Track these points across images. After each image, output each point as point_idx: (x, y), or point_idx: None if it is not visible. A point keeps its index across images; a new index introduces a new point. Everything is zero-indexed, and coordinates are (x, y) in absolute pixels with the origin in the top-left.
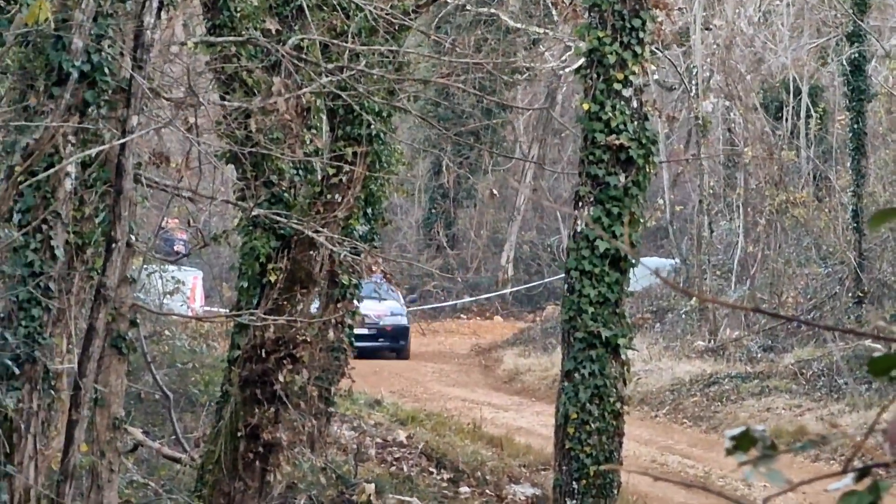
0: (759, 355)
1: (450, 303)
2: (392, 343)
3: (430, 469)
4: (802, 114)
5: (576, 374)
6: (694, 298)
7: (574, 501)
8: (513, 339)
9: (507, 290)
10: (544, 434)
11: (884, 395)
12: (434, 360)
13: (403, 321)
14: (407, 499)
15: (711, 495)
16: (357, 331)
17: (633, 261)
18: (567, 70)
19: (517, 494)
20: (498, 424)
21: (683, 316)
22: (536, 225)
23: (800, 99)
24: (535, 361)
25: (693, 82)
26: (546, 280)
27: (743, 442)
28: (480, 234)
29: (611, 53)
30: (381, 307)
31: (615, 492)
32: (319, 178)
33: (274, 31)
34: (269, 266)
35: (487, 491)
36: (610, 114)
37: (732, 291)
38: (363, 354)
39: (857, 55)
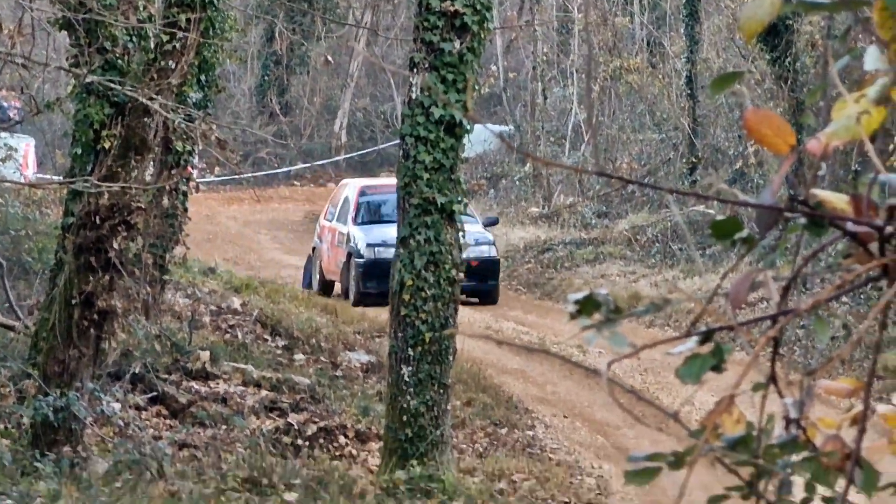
0: (593, 221)
1: (283, 169)
2: (478, 284)
3: (265, 336)
4: None
5: (411, 241)
6: (528, 164)
7: (410, 368)
8: None
9: (341, 156)
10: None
11: (718, 260)
12: (268, 228)
13: (493, 252)
14: (242, 366)
15: (546, 361)
16: None
17: (468, 127)
18: None
19: (352, 361)
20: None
21: (517, 182)
22: (370, 92)
23: None
24: None
25: None
26: (380, 146)
27: (586, 306)
28: (314, 101)
29: None
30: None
31: (451, 358)
32: (153, 44)
33: None
34: (103, 133)
35: (322, 358)
36: None
37: (566, 158)
38: None
39: None
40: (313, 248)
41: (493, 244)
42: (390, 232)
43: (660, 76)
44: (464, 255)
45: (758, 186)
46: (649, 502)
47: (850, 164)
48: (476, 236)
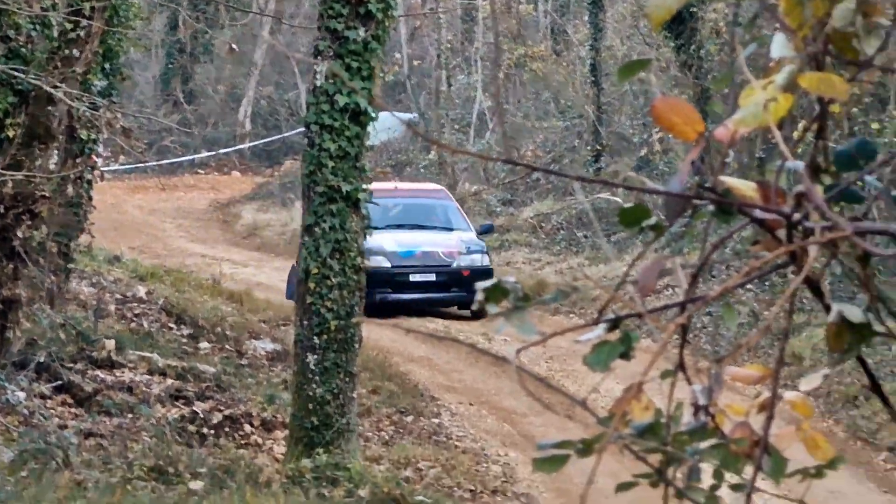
0: (498, 209)
1: (188, 158)
2: (468, 294)
3: (171, 325)
4: None
5: (316, 229)
6: (433, 152)
7: (315, 356)
8: (251, 194)
9: (246, 145)
10: (284, 289)
11: (623, 248)
12: (173, 216)
13: (485, 260)
14: (147, 355)
15: (452, 349)
16: (413, 277)
17: (373, 114)
18: None
19: (257, 350)
20: (237, 280)
21: (422, 170)
22: (275, 80)
23: None
24: (275, 217)
25: None
26: (284, 135)
27: (494, 294)
28: (218, 90)
29: None
30: (450, 240)
31: (356, 346)
32: (57, 32)
33: None
34: (7, 121)
35: (228, 346)
36: None
37: (471, 145)
38: (413, 310)
39: None
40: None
41: (486, 253)
42: (378, 239)
43: (564, 64)
44: (455, 264)
45: (663, 174)
46: (556, 490)
47: (755, 152)
48: (469, 244)
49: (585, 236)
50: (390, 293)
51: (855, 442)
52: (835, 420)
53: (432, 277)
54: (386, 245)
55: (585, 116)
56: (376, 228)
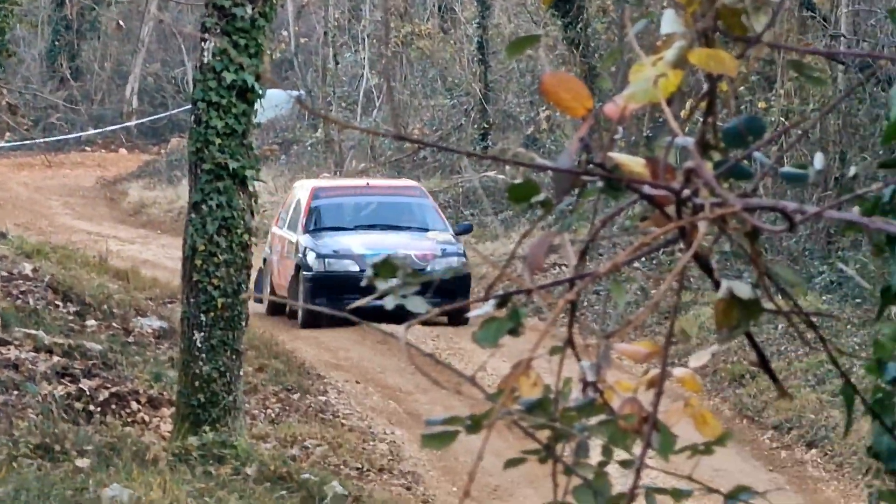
0: None
1: (74, 135)
2: (446, 299)
3: (57, 302)
4: None
5: (203, 206)
6: (319, 130)
7: (202, 334)
8: (138, 171)
9: (132, 122)
10: (171, 267)
11: (510, 226)
12: (59, 194)
13: (461, 263)
14: (33, 332)
15: (339, 327)
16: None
17: (260, 92)
18: None
19: (144, 327)
20: (124, 257)
21: (309, 148)
22: (161, 57)
23: None
24: (161, 194)
25: None
26: (171, 112)
27: (384, 269)
28: (105, 67)
29: None
30: (424, 242)
31: (243, 324)
32: None
33: None
34: None
35: (114, 324)
36: None
37: (359, 123)
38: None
39: None
40: (264, 260)
41: (464, 255)
42: (346, 241)
43: (451, 42)
44: (429, 268)
45: (550, 152)
46: (442, 468)
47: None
48: (445, 245)
49: (472, 214)
50: (359, 300)
51: (741, 420)
52: (721, 398)
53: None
54: (354, 248)
55: (472, 94)
56: (345, 229)
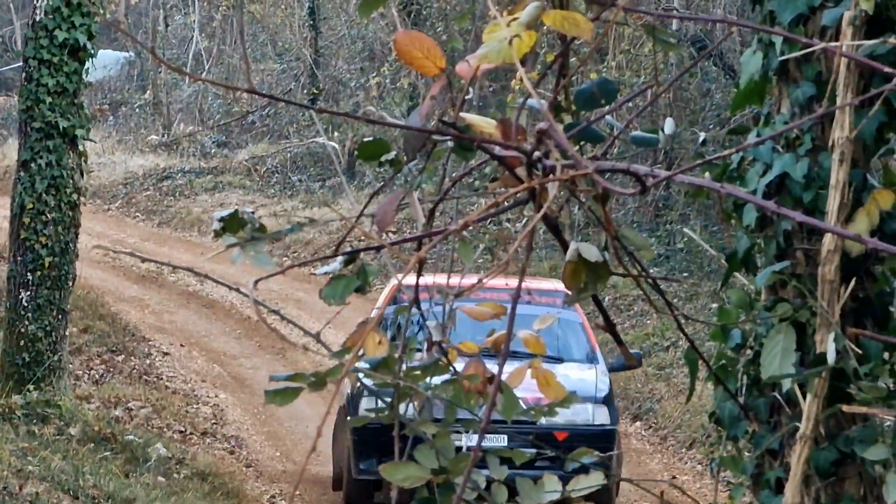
0: (212, 151)
1: None
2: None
3: None
4: None
5: (32, 165)
6: (148, 92)
7: (28, 293)
8: None
9: None
10: None
11: (338, 192)
12: None
13: (602, 416)
14: None
15: (164, 290)
16: (462, 441)
17: (92, 51)
18: None
19: None
20: None
21: (138, 110)
22: None
23: None
24: None
25: None
26: None
27: (231, 224)
28: None
29: None
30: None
31: (70, 284)
32: None
33: None
34: None
35: None
36: None
37: (187, 86)
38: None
39: None
40: None
41: (610, 402)
42: None
43: (282, 6)
44: (542, 421)
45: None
46: (266, 433)
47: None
48: (580, 383)
49: (300, 180)
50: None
51: None
52: None
53: (502, 443)
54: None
55: (302, 59)
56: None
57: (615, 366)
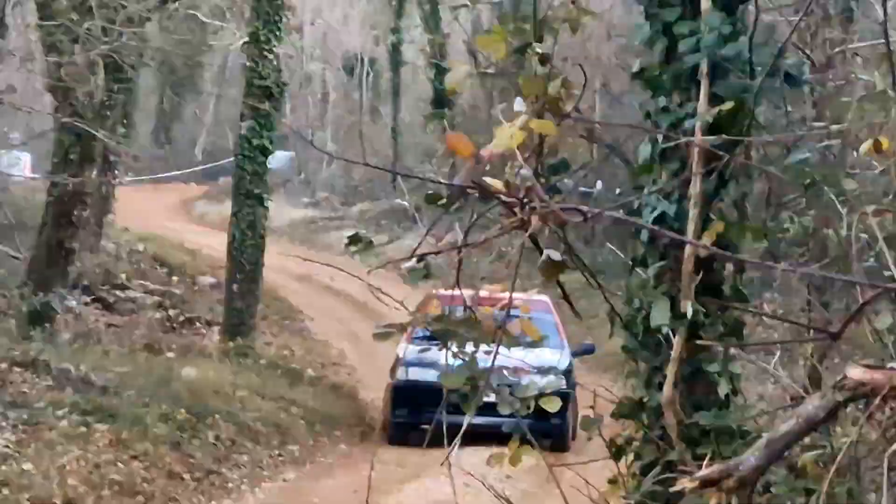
0: (339, 206)
1: (166, 174)
2: (539, 422)
3: (156, 266)
4: None
5: (239, 214)
6: (302, 174)
7: (237, 286)
8: (202, 195)
9: (198, 167)
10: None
11: (407, 229)
12: (157, 207)
13: (560, 381)
14: (144, 283)
15: (310, 285)
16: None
17: (271, 150)
18: None
19: (204, 282)
20: (193, 243)
21: (296, 183)
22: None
23: None
24: (214, 208)
25: None
26: (221, 162)
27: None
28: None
29: None
30: (531, 357)
31: (260, 280)
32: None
33: None
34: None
35: (187, 279)
36: None
37: (325, 167)
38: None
39: None
40: None
41: (569, 374)
42: (435, 352)
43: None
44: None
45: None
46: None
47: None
48: (549, 360)
49: (387, 222)
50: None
51: None
52: None
53: (493, 398)
54: (441, 358)
55: (388, 156)
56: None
57: (577, 351)
